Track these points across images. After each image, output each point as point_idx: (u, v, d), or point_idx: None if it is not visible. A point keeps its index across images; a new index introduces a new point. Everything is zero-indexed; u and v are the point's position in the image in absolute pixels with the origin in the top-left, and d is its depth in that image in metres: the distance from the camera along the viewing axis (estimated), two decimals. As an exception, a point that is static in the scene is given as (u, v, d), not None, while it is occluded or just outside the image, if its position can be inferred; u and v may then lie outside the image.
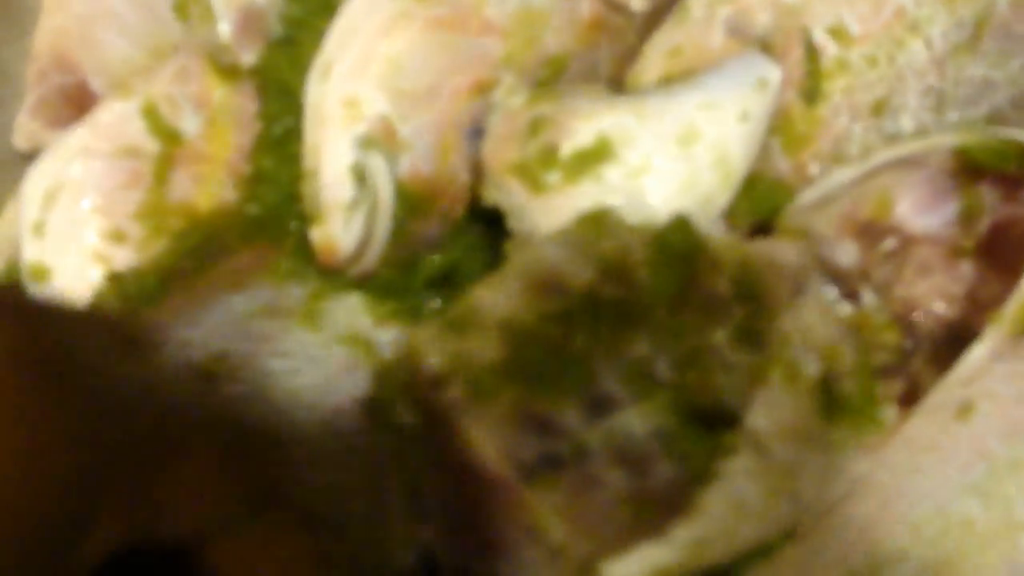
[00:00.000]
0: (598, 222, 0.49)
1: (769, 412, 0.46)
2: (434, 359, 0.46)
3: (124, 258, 0.57)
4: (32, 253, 0.57)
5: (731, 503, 0.45)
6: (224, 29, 0.59)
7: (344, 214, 0.55)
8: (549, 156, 0.52)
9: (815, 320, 0.48)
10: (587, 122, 0.52)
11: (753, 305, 0.50)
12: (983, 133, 0.55)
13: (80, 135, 0.58)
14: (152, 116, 0.58)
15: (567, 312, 0.48)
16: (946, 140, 0.56)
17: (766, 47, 0.59)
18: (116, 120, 0.58)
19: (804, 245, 0.53)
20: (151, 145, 0.58)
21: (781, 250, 0.51)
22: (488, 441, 0.45)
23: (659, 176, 0.52)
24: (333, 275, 0.57)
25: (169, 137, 0.58)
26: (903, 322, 0.56)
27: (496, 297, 0.47)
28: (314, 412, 0.52)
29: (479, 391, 0.46)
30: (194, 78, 0.59)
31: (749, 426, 0.46)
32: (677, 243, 0.50)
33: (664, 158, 0.52)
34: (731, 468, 0.45)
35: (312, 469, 0.48)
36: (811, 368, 0.48)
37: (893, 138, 0.61)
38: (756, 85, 0.54)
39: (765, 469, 0.45)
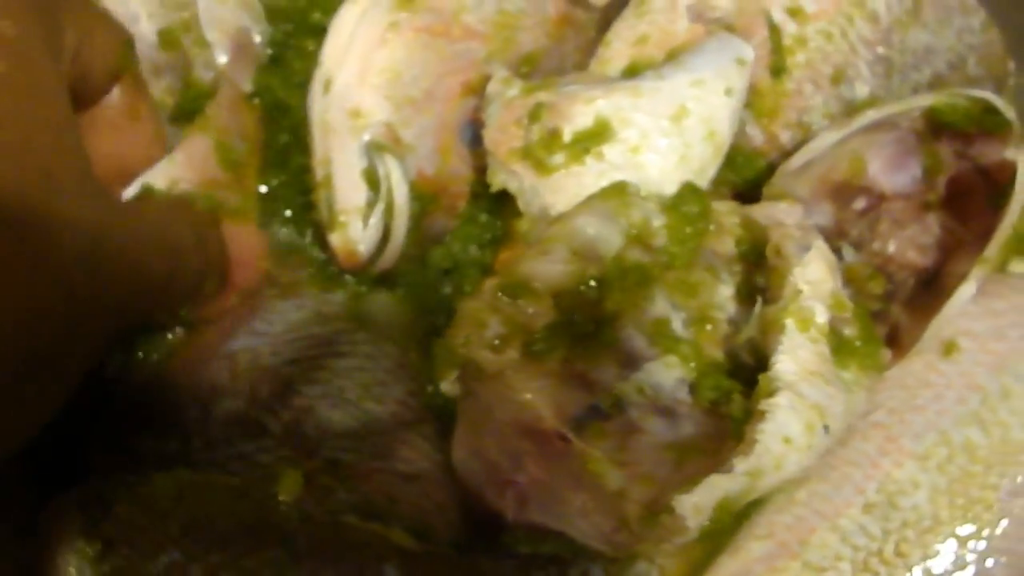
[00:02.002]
0: (621, 193, 0.53)
1: (792, 357, 0.49)
2: (495, 323, 0.49)
3: None
4: None
5: (779, 437, 0.48)
6: (221, 58, 0.61)
7: (361, 217, 0.57)
8: (552, 140, 0.54)
9: (823, 274, 0.51)
10: (586, 106, 0.55)
11: (757, 262, 0.54)
12: (953, 94, 0.58)
13: (166, 169, 0.55)
14: (222, 148, 0.58)
15: (602, 277, 0.51)
16: (919, 102, 0.59)
17: (729, 29, 0.63)
18: (199, 153, 0.57)
19: (804, 207, 0.56)
20: (223, 176, 0.58)
21: (784, 212, 0.54)
22: (542, 398, 0.48)
23: (657, 151, 0.55)
24: (358, 275, 0.60)
25: (234, 167, 0.59)
26: (883, 272, 0.60)
27: (545, 266, 0.50)
28: (384, 405, 0.55)
29: (534, 352, 0.49)
30: (241, 109, 0.60)
31: (779, 369, 0.49)
32: (691, 209, 0.53)
33: (660, 134, 0.55)
34: (774, 406, 0.48)
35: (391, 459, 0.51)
36: (821, 316, 0.51)
37: (850, 104, 0.64)
38: (736, 63, 0.58)
39: (801, 407, 0.48)
